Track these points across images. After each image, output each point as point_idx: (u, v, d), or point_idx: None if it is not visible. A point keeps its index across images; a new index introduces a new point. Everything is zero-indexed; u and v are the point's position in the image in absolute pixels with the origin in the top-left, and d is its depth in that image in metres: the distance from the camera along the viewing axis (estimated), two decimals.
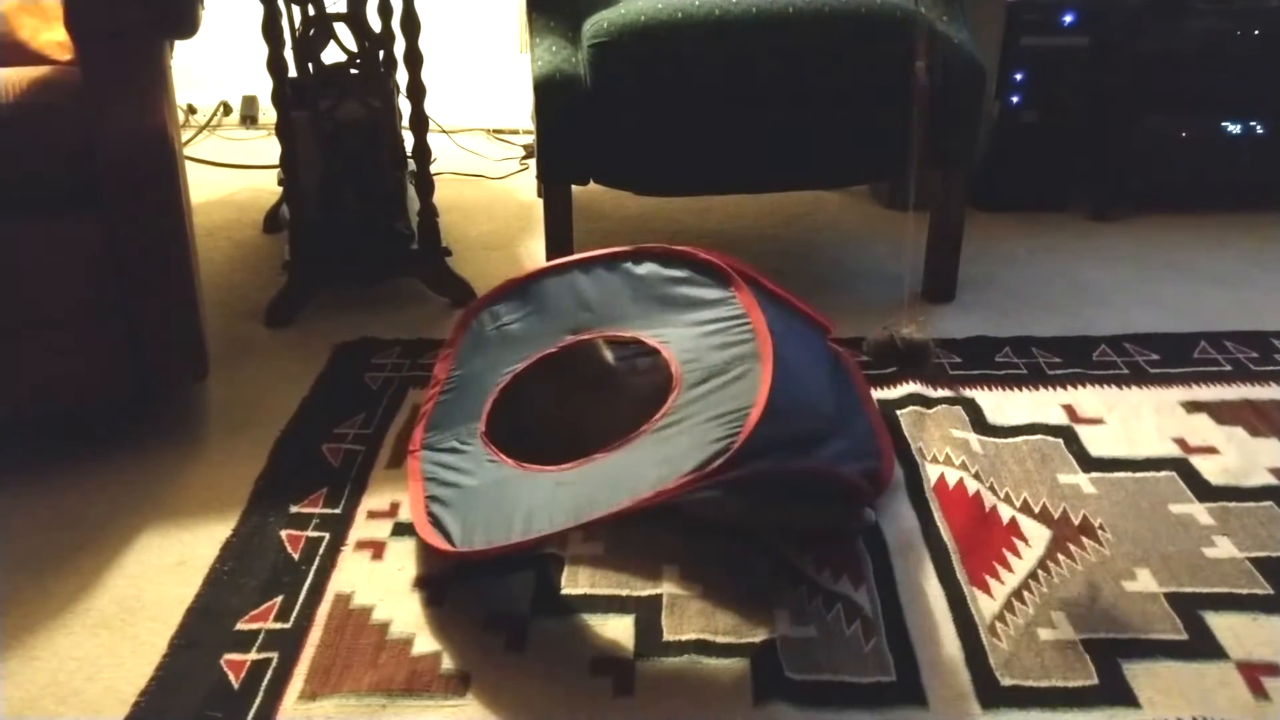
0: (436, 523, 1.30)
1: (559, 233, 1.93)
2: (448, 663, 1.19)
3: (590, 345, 1.46)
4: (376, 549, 1.37)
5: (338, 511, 1.44)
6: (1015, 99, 2.35)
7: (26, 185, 1.43)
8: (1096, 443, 1.57)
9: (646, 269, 1.46)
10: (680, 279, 1.42)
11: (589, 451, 1.29)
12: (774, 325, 1.32)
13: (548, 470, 1.29)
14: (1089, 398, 1.69)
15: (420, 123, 1.93)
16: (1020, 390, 1.71)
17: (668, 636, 1.23)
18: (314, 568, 1.33)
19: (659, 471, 1.18)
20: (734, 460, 1.16)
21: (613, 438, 1.28)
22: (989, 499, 1.44)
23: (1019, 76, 2.33)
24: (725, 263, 1.41)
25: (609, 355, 1.49)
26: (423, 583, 1.31)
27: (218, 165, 2.73)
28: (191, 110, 2.94)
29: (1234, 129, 2.33)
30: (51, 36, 1.65)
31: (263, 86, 1.91)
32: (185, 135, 2.86)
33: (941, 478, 1.48)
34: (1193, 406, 1.66)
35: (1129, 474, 1.50)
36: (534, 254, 2.21)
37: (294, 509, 1.44)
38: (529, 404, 1.43)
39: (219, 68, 2.86)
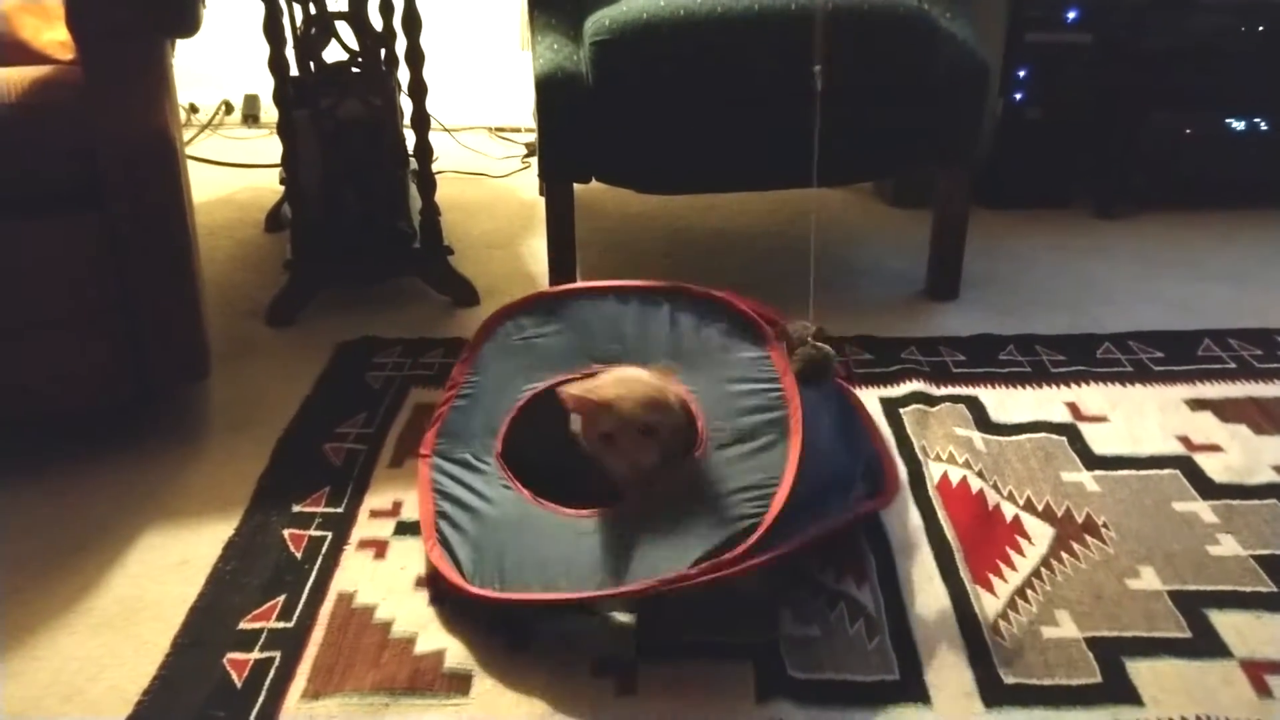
0: (446, 544, 1.29)
1: (561, 231, 1.93)
2: (450, 662, 1.19)
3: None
4: (379, 548, 1.37)
5: (340, 511, 1.44)
6: (1019, 96, 2.34)
7: (28, 185, 1.43)
8: (1100, 441, 1.56)
9: (684, 312, 1.41)
10: (717, 329, 1.38)
11: (602, 482, 1.27)
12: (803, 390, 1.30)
13: (566, 513, 1.27)
14: (1093, 395, 1.68)
15: (422, 121, 1.93)
16: (1024, 388, 1.70)
17: (671, 636, 1.22)
18: (316, 567, 1.33)
19: (680, 546, 1.17)
20: (758, 544, 1.15)
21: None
22: (992, 497, 1.44)
23: (1023, 73, 2.33)
24: (760, 314, 1.37)
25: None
26: (425, 582, 1.31)
27: (219, 164, 2.73)
28: (193, 109, 2.94)
29: (1238, 126, 2.32)
30: (53, 36, 1.65)
31: (264, 85, 1.91)
32: (187, 134, 2.86)
33: (945, 476, 1.48)
34: (1197, 404, 1.65)
35: (1133, 472, 1.49)
36: (536, 252, 2.21)
37: (296, 508, 1.44)
38: (545, 426, 1.39)
39: (221, 67, 2.86)
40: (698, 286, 1.43)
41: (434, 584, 1.30)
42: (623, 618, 1.24)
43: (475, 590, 1.22)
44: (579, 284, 1.53)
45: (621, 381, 1.28)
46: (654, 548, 1.19)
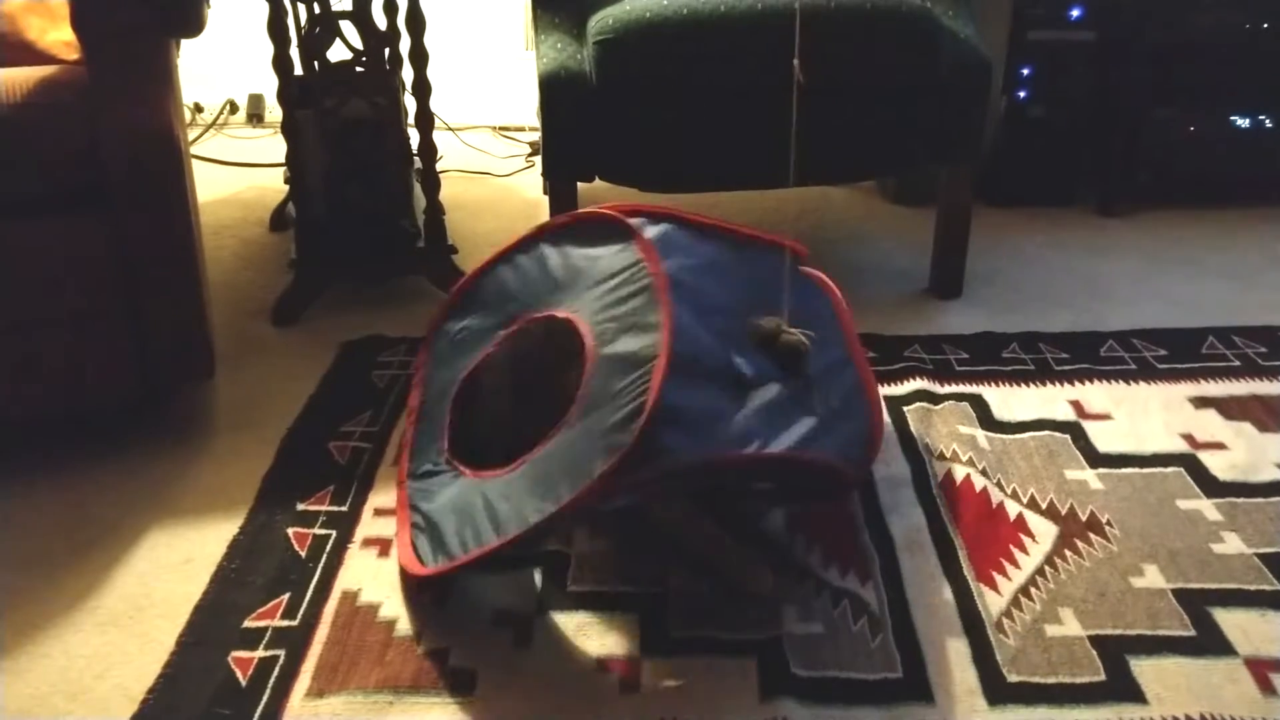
0: (415, 548, 1.30)
1: None
2: (454, 660, 1.20)
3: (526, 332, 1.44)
4: (383, 546, 1.37)
5: (344, 509, 1.44)
6: (1022, 93, 2.34)
7: (33, 185, 1.44)
8: (1104, 439, 1.56)
9: (557, 242, 1.44)
10: (586, 243, 1.40)
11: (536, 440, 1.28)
12: (679, 260, 1.29)
13: (499, 475, 1.28)
14: (1096, 393, 1.68)
15: (426, 120, 1.93)
16: (1027, 386, 1.70)
17: (674, 633, 1.23)
18: (321, 565, 1.34)
19: (587, 458, 1.16)
20: (654, 413, 1.12)
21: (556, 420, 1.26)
22: (996, 495, 1.44)
23: (1026, 71, 2.32)
24: (627, 210, 1.38)
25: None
26: (429, 580, 1.31)
27: (224, 164, 2.73)
28: (198, 109, 2.95)
29: (1242, 123, 2.32)
30: (58, 36, 1.66)
31: (269, 85, 1.91)
32: (192, 134, 2.86)
33: (948, 474, 1.48)
34: (1201, 402, 1.65)
35: (1137, 470, 1.49)
36: None
37: (301, 507, 1.44)
38: (479, 406, 1.43)
39: (225, 66, 2.86)
40: (561, 215, 1.49)
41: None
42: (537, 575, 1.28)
43: (426, 570, 1.24)
44: (476, 267, 1.55)
45: None
46: (568, 468, 1.18)
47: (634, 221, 1.35)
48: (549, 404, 1.29)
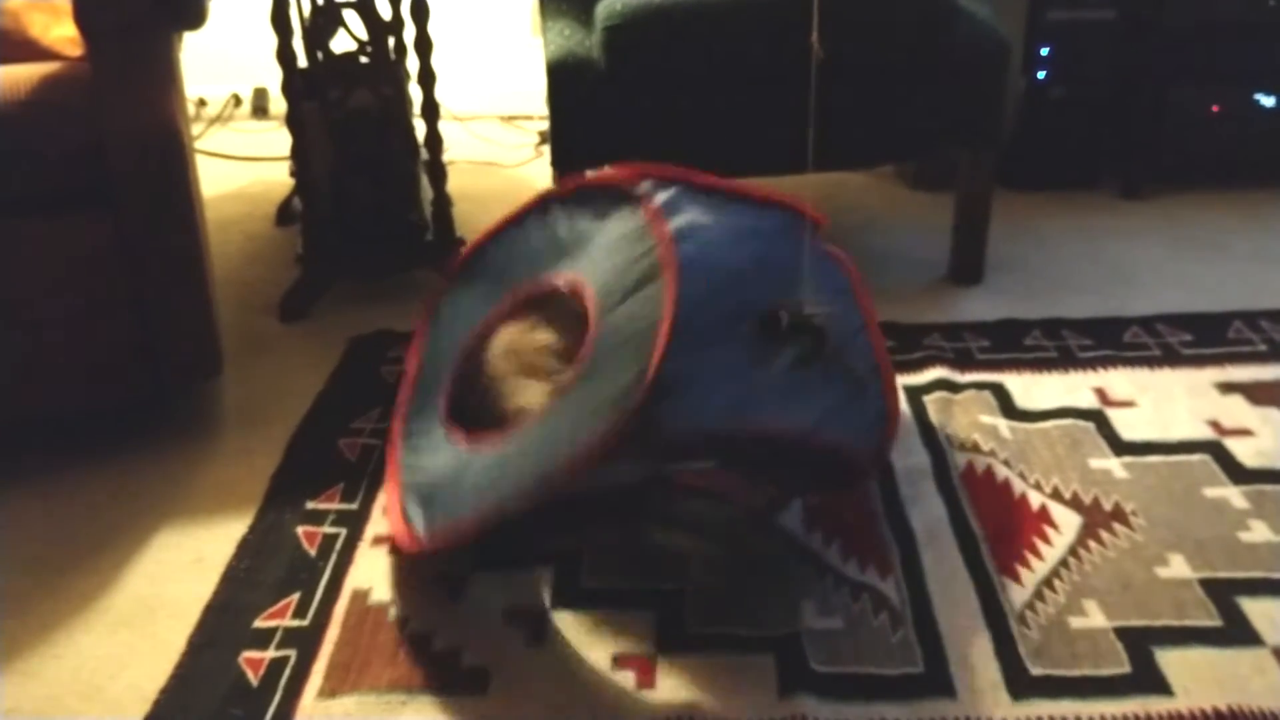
0: (408, 518, 1.28)
1: None
2: (467, 659, 1.18)
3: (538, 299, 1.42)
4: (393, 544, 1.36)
5: (354, 507, 1.43)
6: (1042, 74, 2.30)
7: (37, 182, 1.43)
8: (1128, 426, 1.53)
9: (565, 208, 1.42)
10: (593, 209, 1.37)
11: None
12: (688, 223, 1.26)
13: (496, 441, 1.25)
14: (1120, 380, 1.65)
15: (432, 110, 1.91)
16: (1050, 373, 1.67)
17: (690, 629, 1.21)
18: (331, 564, 1.33)
19: (588, 424, 1.13)
20: (655, 383, 1.10)
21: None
22: (1018, 485, 1.41)
23: (1045, 51, 2.28)
24: (636, 173, 1.35)
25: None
26: (441, 578, 1.29)
27: (229, 158, 2.72)
28: (202, 103, 2.94)
29: (1268, 102, 2.27)
30: (62, 32, 1.65)
31: (273, 77, 1.90)
32: (196, 129, 2.85)
33: (970, 464, 1.45)
34: (1227, 388, 1.62)
35: (1162, 458, 1.46)
36: None
37: (310, 505, 1.43)
38: (479, 371, 1.40)
39: (229, 59, 2.85)
40: (567, 181, 1.47)
41: (449, 580, 1.28)
42: None
43: (422, 545, 1.23)
44: (482, 233, 1.54)
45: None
46: (566, 437, 1.16)
47: (642, 186, 1.32)
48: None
